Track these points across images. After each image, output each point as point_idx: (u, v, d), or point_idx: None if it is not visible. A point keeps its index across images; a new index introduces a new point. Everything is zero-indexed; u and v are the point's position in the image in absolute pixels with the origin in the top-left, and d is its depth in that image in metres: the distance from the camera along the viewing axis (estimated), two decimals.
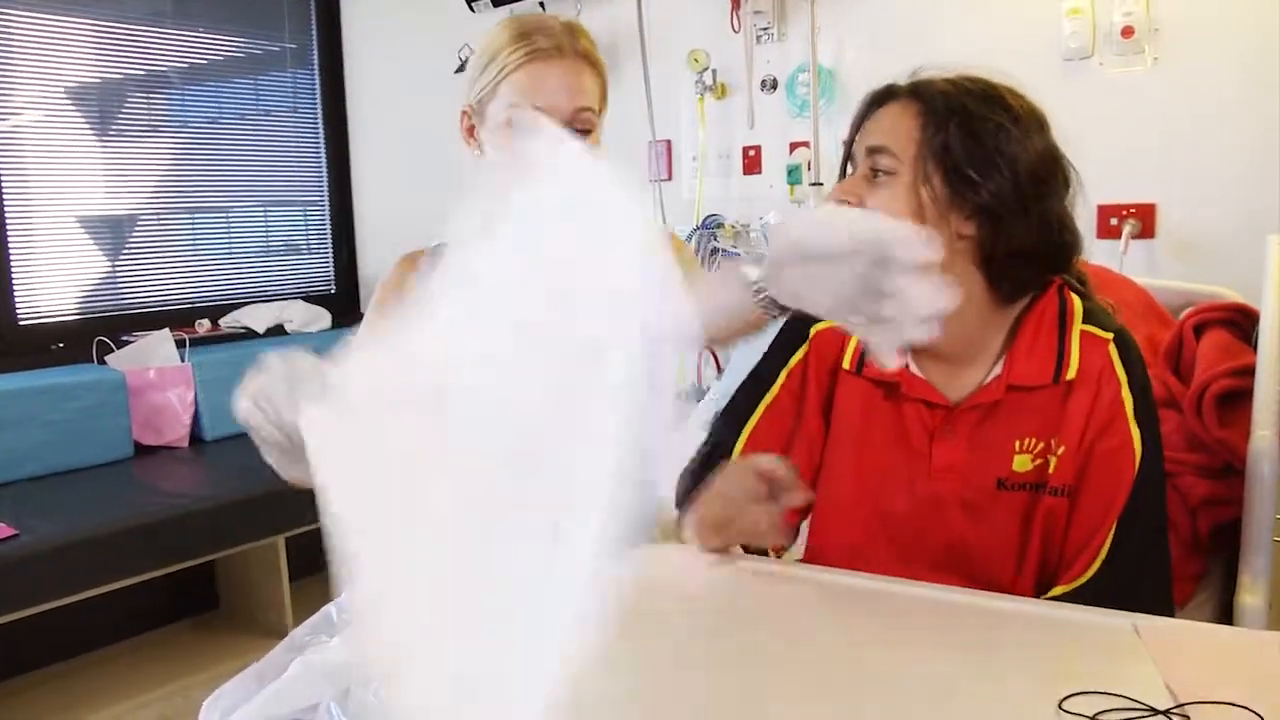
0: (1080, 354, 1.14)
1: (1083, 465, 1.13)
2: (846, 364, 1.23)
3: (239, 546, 2.68)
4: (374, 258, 3.96)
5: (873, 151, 1.13)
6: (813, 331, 1.27)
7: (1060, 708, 0.83)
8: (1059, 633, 0.99)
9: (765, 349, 1.32)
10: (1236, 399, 1.49)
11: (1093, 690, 0.85)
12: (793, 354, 1.28)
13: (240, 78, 3.67)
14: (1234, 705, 0.79)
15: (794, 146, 2.90)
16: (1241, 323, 1.67)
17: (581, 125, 1.25)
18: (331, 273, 3.95)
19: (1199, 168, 2.32)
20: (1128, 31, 2.34)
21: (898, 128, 1.12)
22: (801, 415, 1.26)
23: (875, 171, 1.12)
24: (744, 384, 1.33)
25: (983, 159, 1.09)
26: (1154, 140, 2.31)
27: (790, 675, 0.90)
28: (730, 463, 1.17)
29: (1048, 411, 1.15)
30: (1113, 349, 1.15)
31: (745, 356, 2.14)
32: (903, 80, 1.19)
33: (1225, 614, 1.35)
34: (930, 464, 1.17)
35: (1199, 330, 1.67)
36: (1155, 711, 0.81)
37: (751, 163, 3.00)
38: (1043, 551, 1.15)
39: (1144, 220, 2.37)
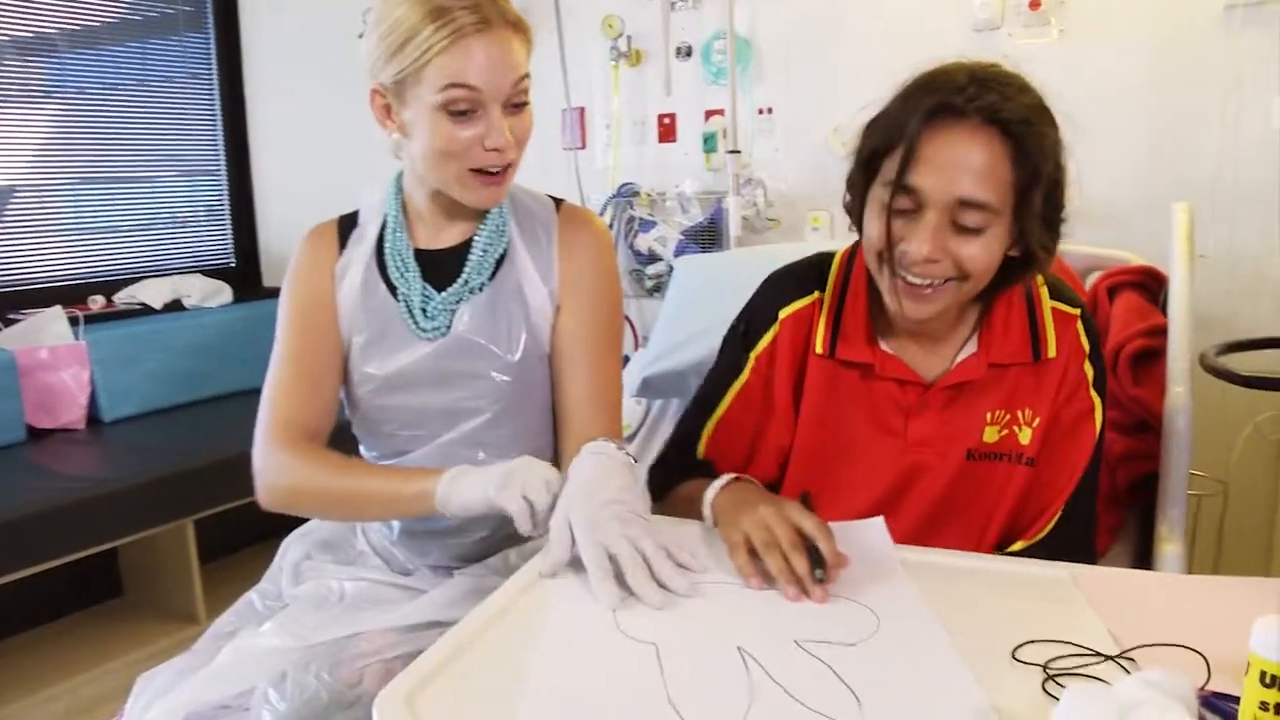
0: (1056, 332, 1.17)
1: (1047, 433, 1.17)
2: (819, 348, 1.22)
3: (145, 531, 2.56)
4: (275, 228, 3.83)
5: (968, 205, 1.03)
6: (782, 314, 1.25)
7: (1013, 657, 0.85)
8: (1002, 586, 1.02)
9: (729, 333, 1.31)
10: (1150, 358, 1.55)
11: (1042, 639, 0.87)
12: (760, 338, 1.27)
13: (131, 41, 3.48)
14: (1177, 646, 0.82)
15: (709, 114, 2.91)
16: (1150, 285, 1.73)
17: (519, 98, 1.21)
18: (231, 245, 3.81)
19: (1104, 137, 2.40)
20: (1035, 4, 2.40)
21: (991, 176, 1.03)
22: (771, 399, 1.26)
23: (959, 223, 1.05)
24: (711, 372, 1.32)
25: (1063, 193, 1.08)
26: (1061, 110, 2.38)
27: (728, 619, 0.90)
28: (774, 498, 1.08)
29: (1020, 384, 1.18)
30: (1080, 325, 1.19)
31: (668, 332, 2.14)
32: (961, 93, 1.03)
33: (1139, 562, 1.41)
34: (905, 440, 1.19)
35: (1111, 293, 1.73)
36: (1105, 657, 0.84)
37: (666, 130, 2.99)
38: (1007, 517, 1.18)
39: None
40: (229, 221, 3.79)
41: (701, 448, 1.28)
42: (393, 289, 1.30)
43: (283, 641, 1.23)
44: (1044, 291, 1.20)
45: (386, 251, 1.31)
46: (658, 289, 2.81)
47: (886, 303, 1.13)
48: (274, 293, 3.92)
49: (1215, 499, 2.30)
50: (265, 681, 1.14)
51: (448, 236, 1.32)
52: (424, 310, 1.29)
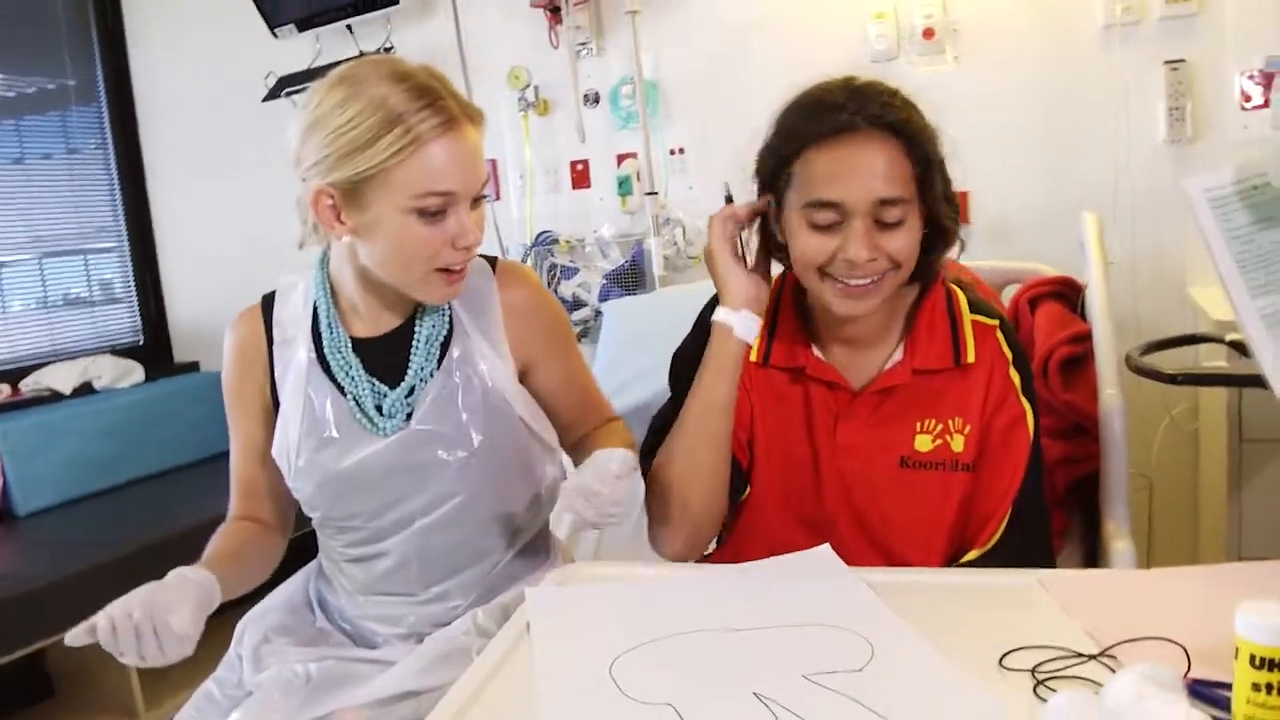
0: (975, 341, 1.23)
1: (981, 441, 1.21)
2: (754, 356, 1.26)
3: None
4: (184, 301, 3.73)
5: (886, 203, 1.11)
6: None
7: (1001, 665, 0.87)
8: (971, 598, 1.04)
9: (683, 352, 1.31)
10: (1076, 364, 1.61)
11: (1026, 645, 0.89)
12: None
13: (21, 116, 3.38)
14: (1155, 639, 0.85)
15: (621, 158, 2.94)
16: (1068, 294, 1.80)
17: (480, 194, 1.19)
18: (139, 322, 3.69)
19: (1003, 155, 2.51)
20: (929, 33, 2.50)
21: (896, 174, 1.12)
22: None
23: (882, 221, 1.12)
24: (682, 373, 1.29)
25: (947, 178, 1.17)
26: (962, 134, 2.49)
27: (728, 665, 0.90)
28: None
29: (946, 393, 1.22)
30: (999, 334, 1.25)
31: (606, 377, 2.14)
32: (849, 105, 1.12)
33: (1090, 561, 1.45)
34: (834, 443, 1.22)
35: (1032, 304, 1.80)
36: (1089, 657, 0.86)
37: (580, 176, 3.02)
38: (954, 525, 1.21)
39: (960, 206, 2.53)
40: (135, 297, 3.68)
41: None
42: (339, 386, 1.27)
43: None
44: (964, 306, 1.26)
45: (325, 346, 1.27)
46: (585, 334, 2.82)
47: (832, 308, 1.17)
48: (187, 368, 3.84)
49: (1142, 494, 2.39)
50: None
51: (385, 322, 1.28)
52: (379, 409, 1.26)
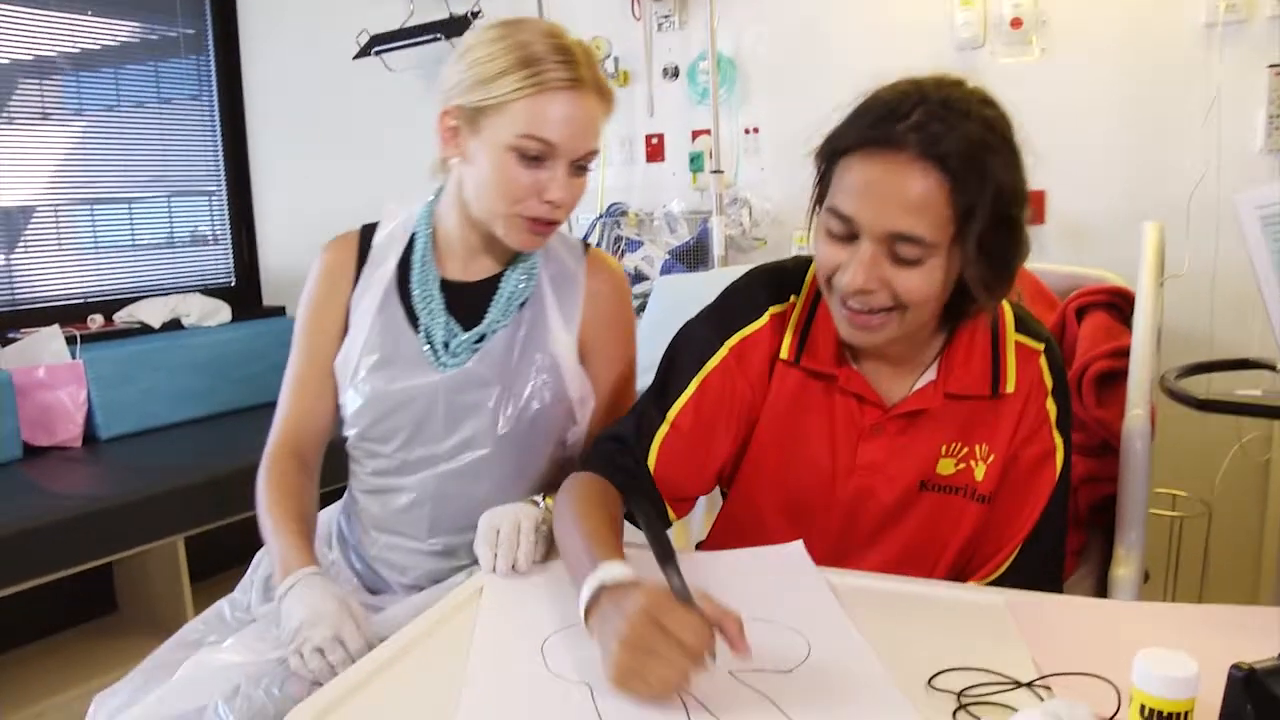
0: (1016, 367, 1.15)
1: (1004, 473, 1.16)
2: (785, 353, 1.19)
3: (136, 548, 2.59)
4: (276, 248, 3.86)
5: (902, 239, 1.00)
6: (772, 310, 1.21)
7: (929, 685, 0.85)
8: (930, 611, 1.01)
9: (699, 320, 1.24)
10: (1114, 379, 1.54)
11: (960, 667, 0.87)
12: (743, 327, 1.20)
13: (132, 64, 3.54)
14: (1090, 675, 0.82)
15: (696, 134, 2.92)
16: (1121, 305, 1.72)
17: (586, 162, 1.24)
18: (231, 264, 3.85)
19: (1084, 155, 2.40)
20: (1016, 23, 2.41)
21: (927, 212, 0.99)
22: (733, 398, 1.20)
23: (897, 255, 1.02)
24: (674, 357, 1.23)
25: (1012, 223, 1.02)
26: (1042, 128, 2.40)
27: None
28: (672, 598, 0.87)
29: (976, 418, 1.16)
30: (1043, 360, 1.16)
31: (645, 350, 2.13)
32: (899, 117, 0.99)
33: (1102, 585, 1.40)
34: (854, 460, 1.17)
35: (1080, 313, 1.72)
36: (1018, 684, 0.84)
37: (655, 150, 3.01)
38: (959, 554, 1.17)
39: (1035, 207, 2.44)
40: (229, 241, 3.83)
41: (655, 451, 1.18)
42: (412, 315, 1.33)
43: (241, 657, 1.25)
44: (1010, 323, 1.17)
45: (413, 279, 1.34)
46: (643, 308, 2.82)
47: (838, 328, 1.12)
48: (274, 312, 4.01)
49: (1199, 520, 2.28)
50: (218, 696, 1.16)
51: (475, 270, 1.35)
52: (446, 345, 1.32)
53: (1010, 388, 1.14)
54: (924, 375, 1.17)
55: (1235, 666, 0.69)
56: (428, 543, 1.35)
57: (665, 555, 0.90)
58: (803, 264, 1.24)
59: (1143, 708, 0.62)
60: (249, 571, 1.45)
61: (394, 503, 1.36)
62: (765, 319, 1.20)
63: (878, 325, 1.07)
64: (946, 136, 0.97)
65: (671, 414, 1.19)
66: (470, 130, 1.22)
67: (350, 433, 1.37)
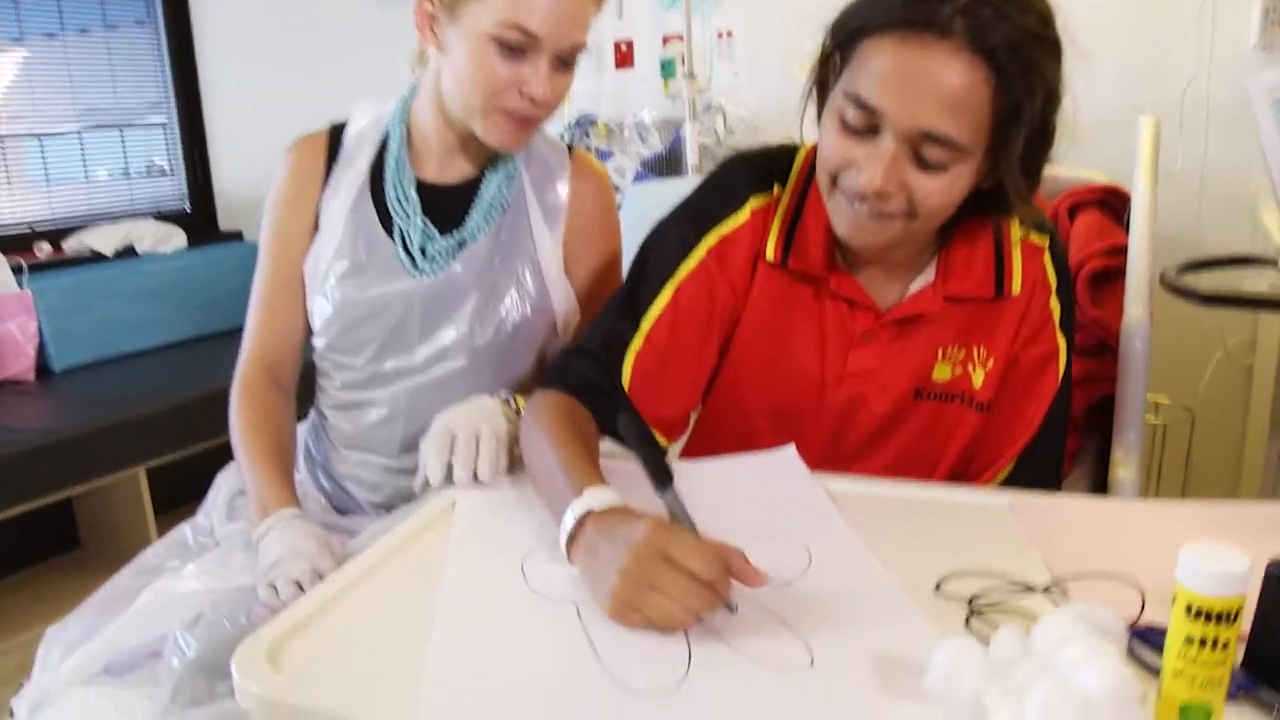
0: (1022, 266, 1.06)
1: (1004, 378, 1.08)
2: (770, 255, 1.09)
3: (96, 481, 2.51)
4: (231, 171, 3.71)
5: (932, 139, 0.90)
6: (752, 204, 1.11)
7: (938, 591, 0.80)
8: (932, 515, 0.96)
9: (672, 218, 1.14)
10: (1109, 278, 1.48)
11: (969, 572, 0.82)
12: (720, 222, 1.10)
13: None
14: (1110, 577, 0.76)
15: (667, 39, 2.80)
16: (1114, 204, 1.66)
17: (571, 57, 1.15)
18: (184, 189, 3.69)
19: (1075, 51, 2.31)
20: None
21: (965, 111, 0.88)
22: (713, 303, 1.10)
23: (921, 156, 0.92)
24: (646, 260, 1.12)
25: (1051, 130, 0.94)
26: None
27: None
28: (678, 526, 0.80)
29: (976, 320, 1.08)
30: (1047, 258, 1.08)
31: None
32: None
33: (1097, 489, 1.36)
34: (845, 368, 1.09)
35: (1073, 212, 1.66)
36: (1033, 589, 0.78)
37: (624, 57, 2.89)
38: (955, 464, 1.11)
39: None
40: (182, 167, 3.67)
41: (628, 366, 1.09)
42: (386, 219, 1.25)
43: (203, 584, 1.19)
44: (1014, 220, 1.08)
45: (386, 180, 1.26)
46: None
47: (834, 224, 1.02)
48: (231, 237, 3.86)
49: (1182, 427, 2.26)
50: (178, 626, 1.09)
51: (454, 172, 1.27)
52: (423, 250, 1.24)
53: (1017, 289, 1.07)
54: (920, 277, 1.08)
55: (1273, 563, 0.64)
56: (400, 460, 1.29)
57: (662, 479, 0.82)
58: (789, 150, 1.14)
59: (1189, 607, 0.56)
60: (210, 493, 1.38)
61: (364, 418, 1.29)
62: (745, 213, 1.10)
63: (874, 228, 0.98)
64: (998, 26, 0.86)
65: (645, 325, 1.09)
66: (449, 18, 1.14)
67: (318, 343, 1.30)
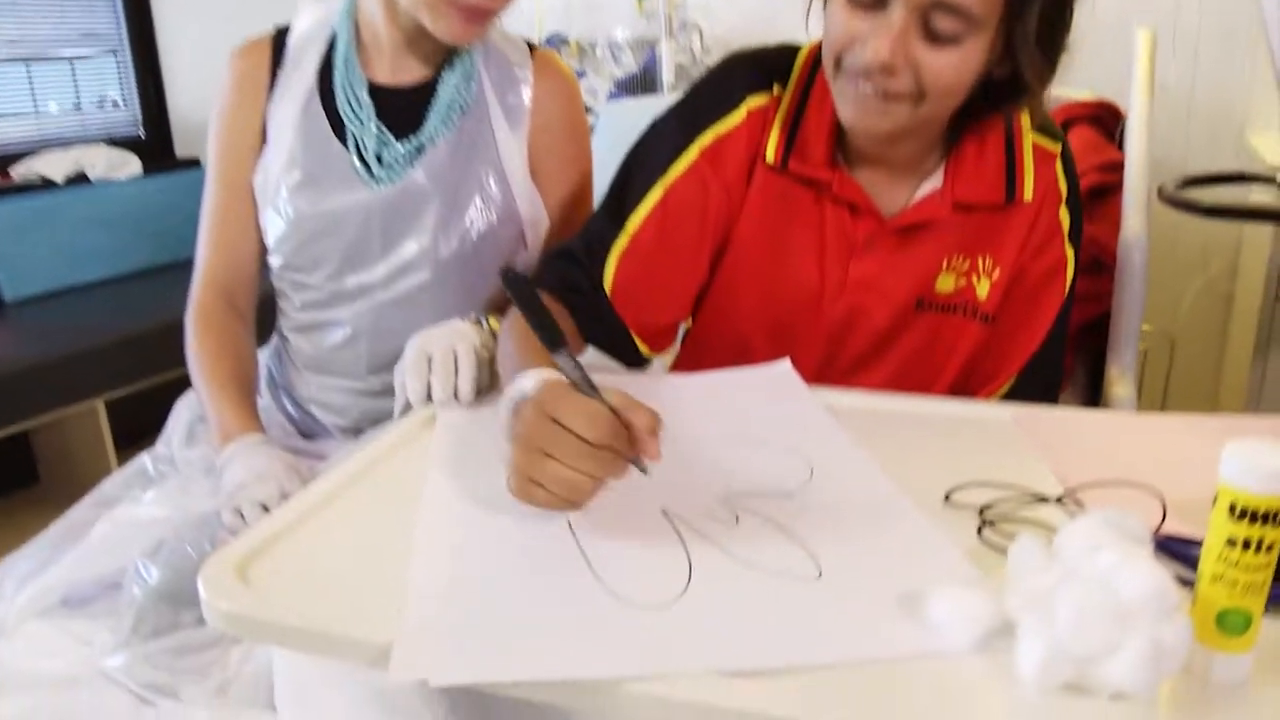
0: (1034, 172, 1.02)
1: (1009, 289, 1.04)
2: (771, 157, 1.03)
3: (53, 413, 2.43)
4: (186, 96, 3.57)
5: (941, 7, 0.85)
6: (749, 103, 1.04)
7: (946, 502, 0.76)
8: (935, 428, 0.92)
9: (665, 119, 1.07)
10: (1103, 195, 1.44)
11: (977, 482, 0.78)
12: (715, 123, 1.04)
13: None
14: (1128, 484, 0.73)
15: None
16: (1106, 119, 1.62)
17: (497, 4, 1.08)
18: (138, 115, 3.54)
19: None
20: None
21: None
22: (705, 207, 1.04)
23: (931, 29, 0.87)
24: (637, 159, 1.07)
25: (1058, 22, 0.89)
26: None
27: (641, 480, 0.79)
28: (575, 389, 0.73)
29: (983, 229, 1.03)
30: (1059, 165, 1.04)
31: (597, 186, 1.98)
32: None
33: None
34: (845, 278, 1.04)
35: (1065, 128, 1.61)
36: (1047, 499, 0.75)
37: None
38: (956, 378, 1.06)
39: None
40: (135, 90, 3.52)
41: (611, 267, 1.03)
42: (338, 126, 1.17)
43: (163, 511, 1.14)
44: (1026, 121, 1.03)
45: (335, 83, 1.18)
46: None
47: (838, 110, 0.97)
48: (188, 164, 3.72)
49: (1163, 352, 2.24)
50: (138, 554, 1.04)
51: (407, 73, 1.19)
52: (379, 158, 1.17)
53: (1029, 195, 1.02)
54: (927, 183, 1.03)
55: None
56: (367, 381, 1.23)
57: (552, 341, 0.75)
58: (790, 50, 1.08)
59: (1233, 506, 0.52)
60: (170, 420, 1.32)
61: (327, 340, 1.23)
62: (742, 113, 1.04)
63: (879, 108, 0.92)
64: None
65: (630, 225, 1.03)
66: None
67: (274, 261, 1.23)
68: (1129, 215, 1.30)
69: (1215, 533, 0.54)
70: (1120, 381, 1.22)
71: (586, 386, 0.73)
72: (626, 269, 1.03)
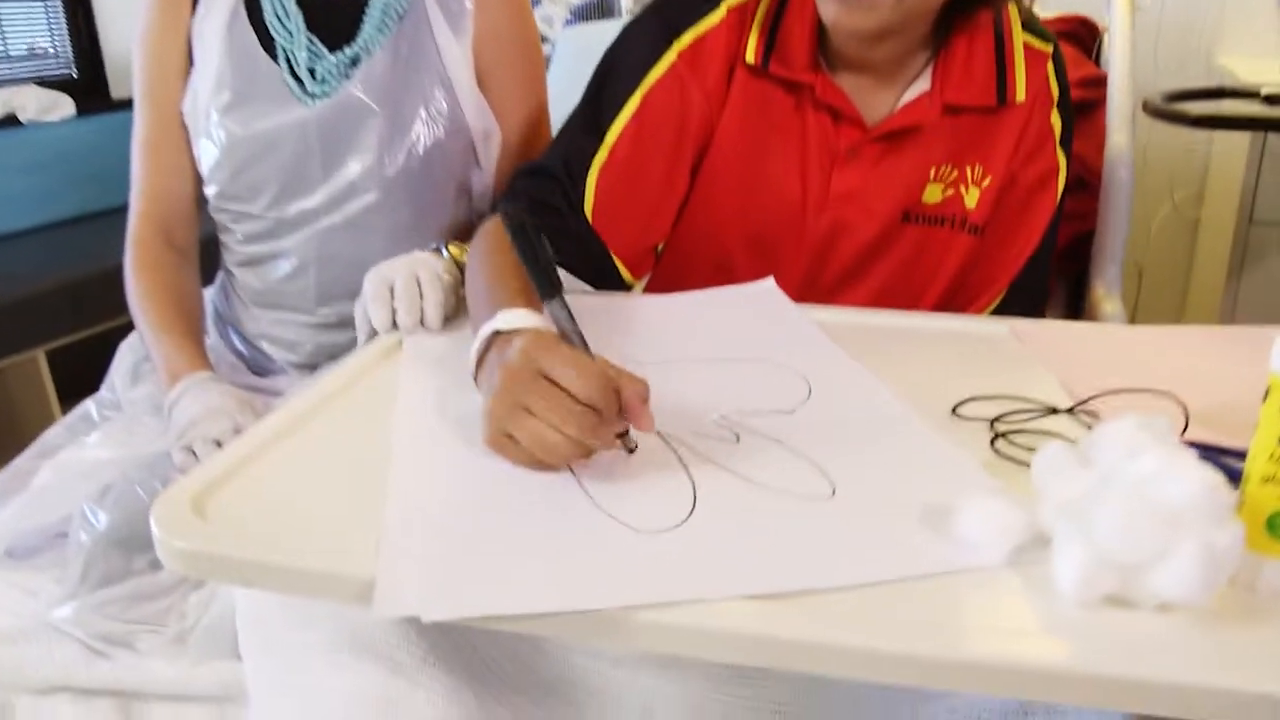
0: (1025, 73, 0.97)
1: (999, 199, 1.00)
2: (751, 57, 0.97)
3: None
4: (121, 34, 3.41)
5: None
6: (727, 3, 0.99)
7: (954, 415, 0.72)
8: (932, 343, 0.88)
9: (637, 23, 1.01)
10: (1084, 111, 1.40)
11: (985, 395, 0.74)
12: (694, 23, 0.98)
13: None
14: (1147, 392, 0.69)
15: None
16: (1084, 36, 1.57)
17: None
18: (70, 54, 3.37)
19: None
20: None
21: None
22: (685, 115, 0.99)
23: None
24: (610, 68, 1.00)
25: None
26: None
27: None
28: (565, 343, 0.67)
29: (972, 135, 0.99)
30: (1050, 66, 1.00)
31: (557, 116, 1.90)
32: None
33: None
34: (827, 189, 0.99)
35: None
36: (1059, 410, 0.71)
37: None
38: (944, 293, 1.02)
39: None
40: (65, 28, 3.35)
41: (592, 183, 0.97)
42: (267, 41, 1.09)
43: (110, 453, 1.08)
44: (1014, 21, 0.99)
45: None
46: None
47: (820, 10, 0.91)
48: (123, 105, 3.55)
49: (1130, 280, 2.23)
50: (84, 500, 0.97)
51: None
52: (312, 72, 1.09)
53: (1021, 96, 0.98)
54: (913, 87, 0.98)
55: None
56: (318, 314, 1.16)
57: (549, 289, 0.69)
58: None
59: None
60: (113, 362, 1.25)
61: (273, 272, 1.16)
62: (721, 12, 0.98)
63: (871, 6, 0.86)
64: None
65: (610, 137, 0.97)
66: None
67: (210, 192, 1.15)
68: (1114, 130, 1.26)
69: (1266, 430, 0.50)
70: (1108, 299, 1.18)
71: (579, 340, 0.67)
72: (606, 184, 0.97)
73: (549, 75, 1.38)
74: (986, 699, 0.64)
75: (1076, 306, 1.31)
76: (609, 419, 0.61)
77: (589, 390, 0.60)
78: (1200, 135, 2.16)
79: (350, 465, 0.65)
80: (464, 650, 0.71)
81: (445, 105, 1.10)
